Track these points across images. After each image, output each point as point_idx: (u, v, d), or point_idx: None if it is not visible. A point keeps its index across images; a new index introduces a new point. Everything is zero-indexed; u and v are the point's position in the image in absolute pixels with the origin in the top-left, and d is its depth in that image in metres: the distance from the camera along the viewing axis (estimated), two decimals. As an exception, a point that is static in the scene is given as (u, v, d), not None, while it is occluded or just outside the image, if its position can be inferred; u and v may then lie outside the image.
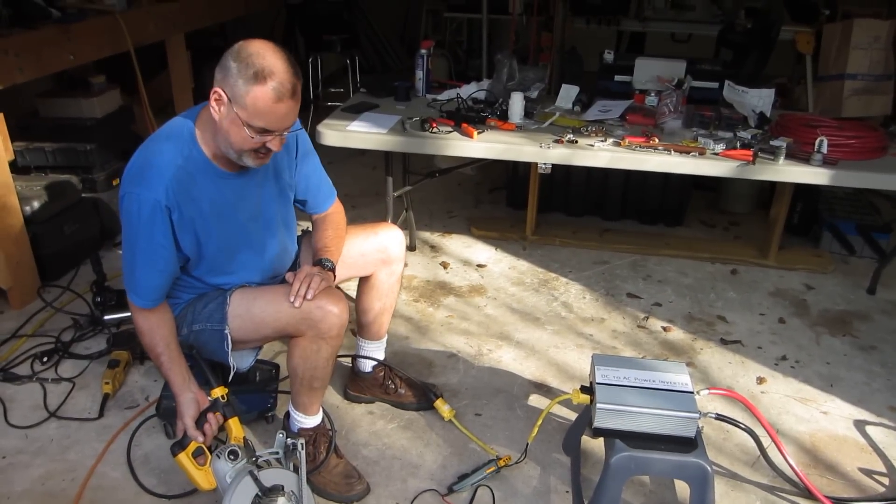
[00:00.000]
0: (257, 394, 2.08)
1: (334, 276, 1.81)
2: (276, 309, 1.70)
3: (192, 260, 1.74)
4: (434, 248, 3.28)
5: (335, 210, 2.00)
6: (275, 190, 1.82)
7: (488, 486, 1.90)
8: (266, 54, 1.51)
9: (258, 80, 1.49)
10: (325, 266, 1.78)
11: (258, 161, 1.63)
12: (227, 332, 1.73)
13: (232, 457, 1.52)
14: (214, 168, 1.66)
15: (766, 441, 1.91)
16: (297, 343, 1.73)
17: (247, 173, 1.72)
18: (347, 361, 2.27)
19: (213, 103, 1.55)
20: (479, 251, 3.26)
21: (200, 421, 1.67)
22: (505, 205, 3.72)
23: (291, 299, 1.65)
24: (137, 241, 1.63)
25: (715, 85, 3.06)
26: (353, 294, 2.13)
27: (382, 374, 2.20)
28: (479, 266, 3.12)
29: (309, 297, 1.65)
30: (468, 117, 2.74)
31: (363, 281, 2.08)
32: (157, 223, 1.60)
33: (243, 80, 1.50)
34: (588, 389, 1.77)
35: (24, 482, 1.89)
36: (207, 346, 1.77)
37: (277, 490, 1.50)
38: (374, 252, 2.01)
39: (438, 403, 2.13)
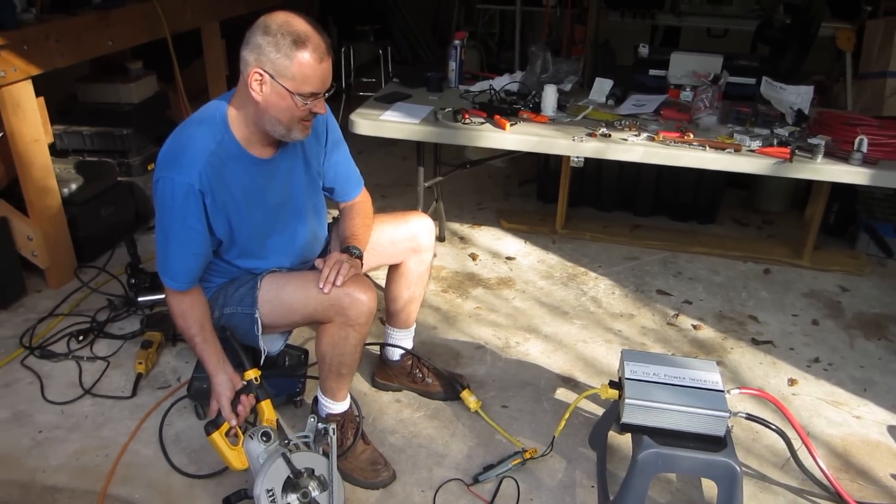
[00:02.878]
0: (286, 378, 2.11)
1: (362, 264, 1.81)
2: (306, 295, 1.71)
3: (224, 244, 1.76)
4: (463, 239, 3.28)
5: (362, 199, 2.01)
6: (304, 177, 1.83)
7: (513, 478, 1.90)
8: (293, 21, 1.53)
9: (298, 46, 1.51)
10: (352, 254, 1.78)
11: (306, 131, 1.66)
12: (257, 315, 1.75)
13: (265, 438, 1.55)
14: (246, 154, 1.68)
15: (796, 443, 1.88)
16: (325, 329, 1.74)
17: (277, 160, 1.74)
18: (375, 349, 2.28)
19: (253, 85, 1.56)
20: (509, 244, 3.25)
21: (234, 402, 1.70)
22: (535, 198, 3.70)
23: (321, 285, 1.66)
24: (171, 224, 1.65)
25: (752, 81, 3.01)
26: (383, 283, 2.14)
27: (410, 362, 2.21)
28: (508, 259, 3.11)
29: (338, 283, 1.66)
30: (501, 109, 2.72)
31: (392, 269, 2.09)
32: (191, 207, 1.62)
33: (284, 52, 1.51)
34: (616, 384, 1.76)
35: (59, 457, 1.94)
36: (238, 329, 1.79)
37: (309, 473, 1.51)
38: (405, 240, 2.01)
39: (465, 394, 2.14)
